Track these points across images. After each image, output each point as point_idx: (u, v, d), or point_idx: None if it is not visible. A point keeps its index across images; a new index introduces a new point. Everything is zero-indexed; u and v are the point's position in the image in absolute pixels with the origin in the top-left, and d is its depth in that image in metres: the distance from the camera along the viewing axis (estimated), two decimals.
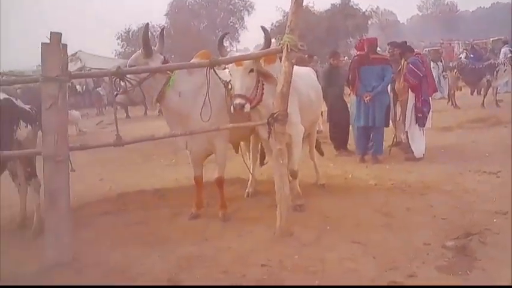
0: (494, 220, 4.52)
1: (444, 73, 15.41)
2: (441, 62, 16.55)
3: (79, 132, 13.88)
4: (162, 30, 5.33)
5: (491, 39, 30.13)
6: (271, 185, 4.60)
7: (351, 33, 34.88)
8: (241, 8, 48.11)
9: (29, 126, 5.05)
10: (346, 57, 15.91)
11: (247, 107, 4.31)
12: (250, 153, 6.11)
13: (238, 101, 4.28)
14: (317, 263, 3.81)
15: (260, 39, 4.51)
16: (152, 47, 4.66)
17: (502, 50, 16.16)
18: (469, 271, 3.57)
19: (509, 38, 22.19)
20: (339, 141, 8.51)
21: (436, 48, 23.26)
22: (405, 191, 5.77)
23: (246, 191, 5.93)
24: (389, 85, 7.88)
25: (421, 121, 7.43)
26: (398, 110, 8.01)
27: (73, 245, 3.84)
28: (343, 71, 9.05)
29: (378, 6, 42.65)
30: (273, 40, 4.67)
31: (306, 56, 11.59)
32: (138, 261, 4.03)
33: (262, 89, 4.60)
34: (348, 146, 8.46)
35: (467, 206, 4.99)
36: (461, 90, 14.32)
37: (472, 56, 17.31)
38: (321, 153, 6.90)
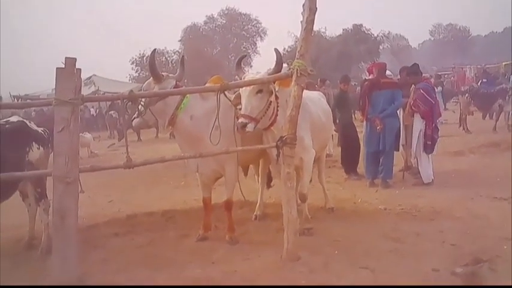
0: (505, 247, 4.44)
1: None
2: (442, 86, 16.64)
3: (91, 154, 14.01)
4: (183, 58, 5.42)
5: (503, 63, 30.08)
6: (280, 208, 4.59)
7: (363, 57, 35.09)
8: (254, 34, 48.93)
9: (41, 148, 5.14)
10: (355, 83, 15.93)
11: (250, 126, 4.31)
12: (259, 176, 6.13)
13: (241, 120, 4.33)
14: None
15: (272, 63, 4.56)
16: (162, 73, 4.76)
17: None
18: None
19: None
20: (349, 165, 8.50)
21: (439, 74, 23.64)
22: (415, 216, 5.72)
23: (254, 213, 5.92)
24: (400, 109, 7.89)
25: (429, 148, 7.42)
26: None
27: (79, 266, 3.84)
28: (352, 96, 9.13)
29: (389, 31, 42.87)
30: (284, 65, 4.73)
31: (319, 80, 11.70)
32: (144, 284, 4.03)
33: (277, 110, 4.65)
34: (357, 169, 8.44)
35: (478, 232, 4.93)
36: (472, 114, 14.23)
37: (484, 80, 17.28)
38: None
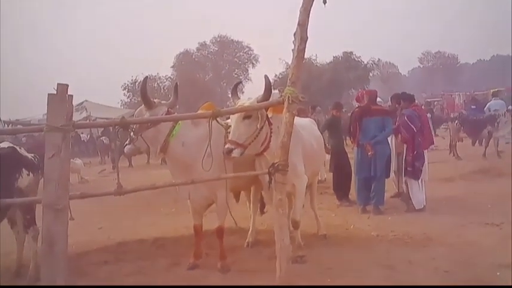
0: (498, 273, 4.43)
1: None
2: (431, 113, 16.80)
3: (81, 181, 13.87)
4: (176, 85, 5.42)
5: (491, 90, 30.54)
6: (272, 235, 4.54)
7: (353, 84, 35.45)
8: (246, 61, 49.51)
9: (31, 175, 5.10)
10: (345, 110, 16.07)
11: (236, 152, 4.33)
12: (251, 202, 6.10)
13: (227, 145, 4.35)
14: None
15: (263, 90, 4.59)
16: (154, 100, 4.77)
17: (489, 103, 15.82)
18: None
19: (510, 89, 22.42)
20: (341, 191, 8.50)
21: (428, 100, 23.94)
22: (407, 243, 5.70)
23: (246, 240, 5.87)
24: (392, 136, 7.95)
25: (411, 174, 7.46)
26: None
27: None
28: (344, 122, 9.20)
29: (379, 59, 43.29)
30: (276, 91, 4.76)
31: (310, 107, 11.80)
32: None
33: (270, 136, 4.65)
34: (349, 195, 8.44)
35: (470, 258, 4.91)
36: (462, 141, 14.36)
37: (473, 107, 17.49)
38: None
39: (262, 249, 5.57)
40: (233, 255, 5.35)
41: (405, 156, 7.52)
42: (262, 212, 6.24)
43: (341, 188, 8.54)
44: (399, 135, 7.70)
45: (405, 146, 7.58)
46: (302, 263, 5.03)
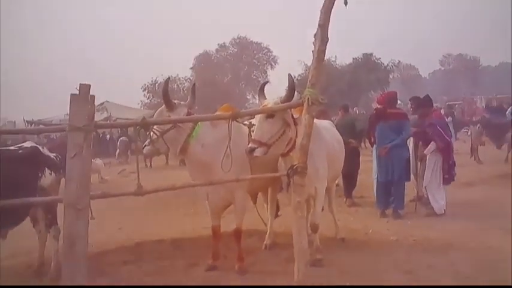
0: None
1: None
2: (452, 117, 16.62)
3: (101, 180, 13.99)
4: (194, 85, 5.42)
5: None
6: (290, 237, 4.53)
7: (373, 86, 35.07)
8: (265, 62, 49.36)
9: (53, 174, 5.17)
10: (363, 112, 15.86)
11: (259, 151, 4.28)
12: (268, 204, 6.08)
13: (249, 144, 4.33)
14: None
15: (283, 91, 4.58)
16: (174, 101, 4.80)
17: (511, 107, 15.68)
18: None
19: None
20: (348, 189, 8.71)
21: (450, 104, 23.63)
22: (427, 247, 5.62)
23: (264, 243, 5.86)
24: (411, 139, 7.86)
25: (446, 181, 7.48)
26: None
27: None
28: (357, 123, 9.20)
29: (399, 61, 42.64)
30: (295, 93, 4.73)
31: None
32: None
33: (296, 136, 4.62)
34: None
35: (492, 264, 4.82)
36: (484, 144, 14.10)
37: (494, 111, 17.16)
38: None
39: (280, 252, 5.55)
40: (251, 257, 5.36)
41: (442, 165, 7.47)
42: (276, 215, 6.20)
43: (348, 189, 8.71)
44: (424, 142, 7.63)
45: (436, 152, 7.50)
46: (320, 266, 5.02)
